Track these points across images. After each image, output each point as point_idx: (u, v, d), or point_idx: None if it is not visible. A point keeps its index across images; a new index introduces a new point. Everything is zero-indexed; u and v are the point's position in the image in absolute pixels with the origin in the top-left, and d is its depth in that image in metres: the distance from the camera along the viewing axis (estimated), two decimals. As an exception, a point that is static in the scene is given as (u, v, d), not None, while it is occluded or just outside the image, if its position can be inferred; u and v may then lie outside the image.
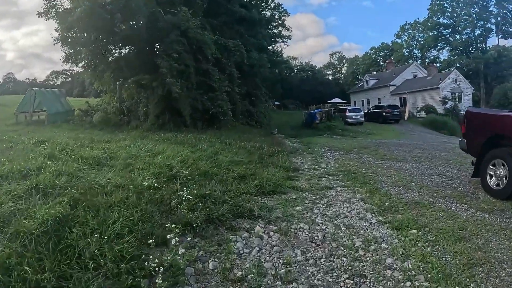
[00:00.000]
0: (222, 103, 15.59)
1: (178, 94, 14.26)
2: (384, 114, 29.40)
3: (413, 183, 6.85)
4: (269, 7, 53.38)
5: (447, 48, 58.45)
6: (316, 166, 8.45)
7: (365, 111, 30.71)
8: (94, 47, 16.48)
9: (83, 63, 17.57)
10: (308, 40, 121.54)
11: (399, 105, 34.06)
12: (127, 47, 18.87)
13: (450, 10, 57.37)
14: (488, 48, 54.07)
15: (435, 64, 41.54)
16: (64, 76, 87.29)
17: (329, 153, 10.77)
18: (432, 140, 17.32)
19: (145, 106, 16.31)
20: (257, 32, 24.32)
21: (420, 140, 16.63)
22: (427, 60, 55.53)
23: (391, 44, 72.18)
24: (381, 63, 71.45)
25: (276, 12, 59.04)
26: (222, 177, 6.01)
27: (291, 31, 59.90)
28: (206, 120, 16.03)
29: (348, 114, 27.73)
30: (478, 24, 54.19)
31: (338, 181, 6.96)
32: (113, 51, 18.93)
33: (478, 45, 55.52)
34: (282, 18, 58.17)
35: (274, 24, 57.75)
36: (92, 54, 16.65)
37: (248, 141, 12.00)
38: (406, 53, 68.76)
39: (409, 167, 8.55)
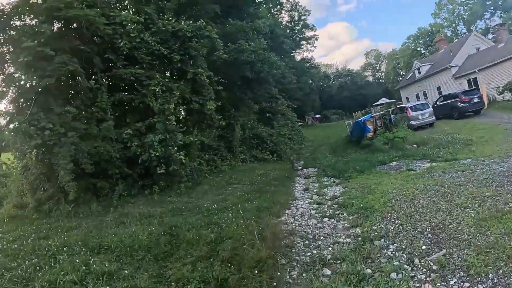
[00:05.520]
0: (155, 140, 7.05)
1: (44, 134, 6.18)
2: (459, 105, 19.35)
3: None
4: (285, 8, 45.64)
5: (498, 13, 46.69)
6: None
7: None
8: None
9: None
10: (343, 47, 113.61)
11: (476, 89, 23.50)
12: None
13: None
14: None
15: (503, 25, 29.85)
16: None
17: None
18: None
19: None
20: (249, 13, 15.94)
21: None
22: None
23: (429, 28, 61.06)
24: (423, 51, 60.30)
25: (295, 14, 50.60)
26: None
27: (315, 29, 51.45)
28: (141, 176, 7.63)
29: (411, 114, 18.61)
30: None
31: None
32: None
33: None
34: (302, 18, 50.19)
35: (297, 28, 49.55)
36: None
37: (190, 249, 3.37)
38: (450, 33, 57.03)
39: None
